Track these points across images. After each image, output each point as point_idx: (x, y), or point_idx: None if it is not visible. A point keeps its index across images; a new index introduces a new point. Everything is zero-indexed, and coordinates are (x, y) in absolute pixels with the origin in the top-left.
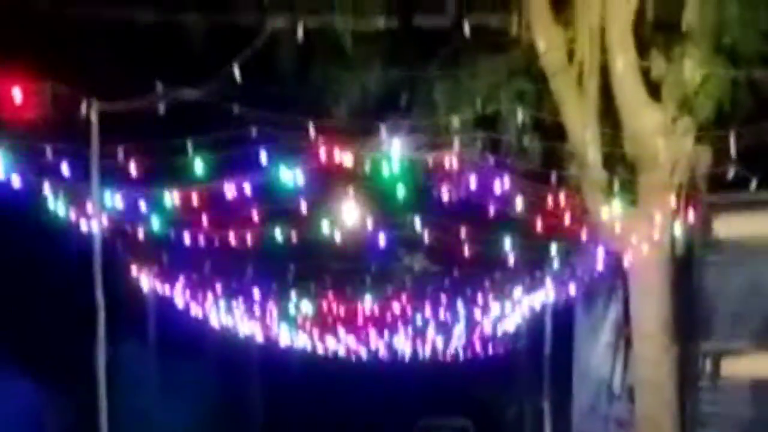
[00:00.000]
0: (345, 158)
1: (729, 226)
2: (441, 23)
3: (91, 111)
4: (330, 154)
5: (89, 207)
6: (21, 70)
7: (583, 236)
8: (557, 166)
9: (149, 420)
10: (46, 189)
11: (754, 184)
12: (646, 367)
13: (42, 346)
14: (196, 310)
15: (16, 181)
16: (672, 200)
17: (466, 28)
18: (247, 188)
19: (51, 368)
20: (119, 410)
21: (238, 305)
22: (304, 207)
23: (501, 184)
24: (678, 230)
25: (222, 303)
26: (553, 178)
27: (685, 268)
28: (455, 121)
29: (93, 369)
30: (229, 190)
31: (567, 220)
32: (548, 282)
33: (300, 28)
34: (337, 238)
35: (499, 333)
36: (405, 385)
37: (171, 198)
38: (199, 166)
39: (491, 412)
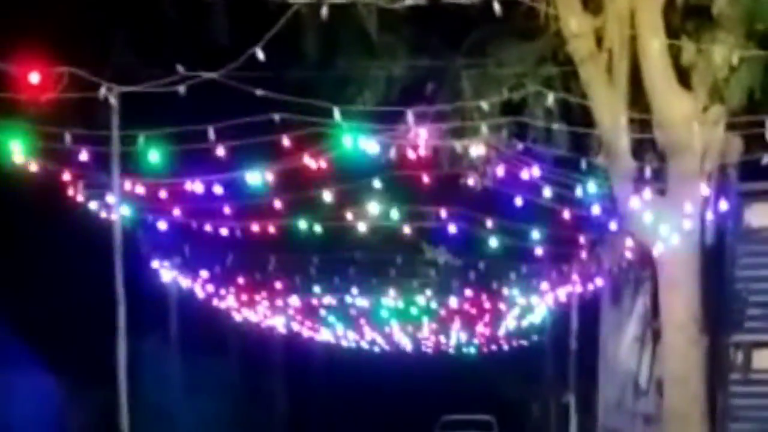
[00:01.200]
0: (369, 146)
1: (761, 215)
2: (469, 4)
3: (110, 95)
4: (354, 142)
5: (109, 195)
6: (40, 53)
7: (611, 226)
8: (585, 154)
9: (172, 413)
10: (65, 176)
11: None
12: (675, 360)
13: (62, 341)
14: (218, 303)
15: (34, 167)
16: (703, 188)
17: (497, 7)
18: (269, 176)
19: (72, 363)
20: (142, 404)
21: (261, 298)
22: (327, 196)
23: (528, 172)
24: (709, 219)
25: (244, 296)
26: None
27: (716, 259)
28: (481, 107)
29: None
30: (252, 179)
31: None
32: (574, 274)
33: (325, 8)
34: (362, 228)
35: (524, 327)
36: (429, 379)
37: (192, 186)
38: (220, 152)
39: (515, 408)
